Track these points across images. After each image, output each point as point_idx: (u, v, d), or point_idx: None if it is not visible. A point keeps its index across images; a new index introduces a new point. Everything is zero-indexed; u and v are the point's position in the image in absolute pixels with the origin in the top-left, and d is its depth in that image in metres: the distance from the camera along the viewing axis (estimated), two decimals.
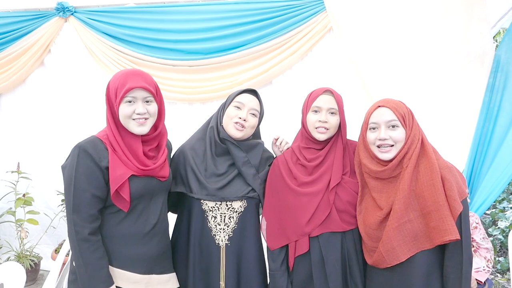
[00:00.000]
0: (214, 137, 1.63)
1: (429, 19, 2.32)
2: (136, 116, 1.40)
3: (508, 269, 3.00)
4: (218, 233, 1.59)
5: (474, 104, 2.34)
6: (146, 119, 1.43)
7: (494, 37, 2.76)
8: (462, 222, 1.34)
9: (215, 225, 1.59)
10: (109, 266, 1.40)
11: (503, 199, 3.58)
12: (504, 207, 3.49)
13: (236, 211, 1.61)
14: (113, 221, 1.42)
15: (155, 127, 1.49)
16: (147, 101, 1.43)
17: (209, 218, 1.59)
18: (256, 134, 1.74)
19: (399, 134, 1.39)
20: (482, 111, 2.36)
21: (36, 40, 2.95)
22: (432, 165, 1.35)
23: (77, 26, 2.91)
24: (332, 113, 1.55)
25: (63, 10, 2.88)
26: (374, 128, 1.44)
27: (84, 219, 1.34)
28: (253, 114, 1.62)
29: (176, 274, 1.62)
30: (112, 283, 1.37)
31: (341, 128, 1.58)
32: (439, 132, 2.35)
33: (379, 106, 1.44)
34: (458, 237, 1.31)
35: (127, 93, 1.38)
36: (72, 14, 2.91)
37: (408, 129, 1.40)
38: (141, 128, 1.42)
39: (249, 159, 1.62)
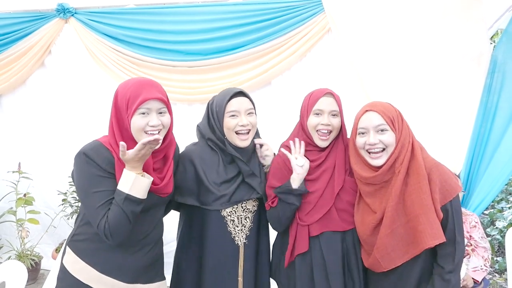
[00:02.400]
0: (219, 148, 1.62)
1: (426, 20, 2.33)
2: (149, 128, 1.34)
3: (506, 269, 3.02)
4: (237, 234, 1.62)
5: (471, 104, 2.35)
6: (159, 130, 1.37)
7: (491, 37, 2.78)
8: (454, 218, 1.34)
9: (234, 227, 1.62)
10: (93, 269, 1.39)
11: (501, 199, 3.60)
12: (502, 207, 3.51)
13: (251, 211, 1.65)
14: None
15: (164, 137, 1.43)
16: (161, 113, 1.37)
17: (228, 222, 1.62)
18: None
19: (389, 137, 1.37)
20: (479, 111, 2.37)
21: (37, 41, 2.96)
22: (419, 168, 1.34)
23: (77, 27, 2.92)
24: (333, 115, 1.54)
25: (63, 11, 2.90)
26: (363, 133, 1.42)
27: (99, 207, 1.32)
28: (250, 113, 1.61)
29: (189, 275, 1.65)
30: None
31: (342, 129, 1.58)
32: (437, 132, 2.36)
33: (367, 111, 1.42)
34: (444, 239, 1.31)
35: (142, 104, 1.31)
36: (72, 15, 2.92)
37: (398, 132, 1.38)
38: None
39: (253, 171, 1.64)
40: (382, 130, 1.38)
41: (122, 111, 1.34)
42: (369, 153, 1.41)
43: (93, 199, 1.32)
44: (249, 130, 1.59)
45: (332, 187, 1.54)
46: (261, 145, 1.71)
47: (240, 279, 1.62)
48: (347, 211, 1.54)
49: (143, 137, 1.32)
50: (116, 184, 1.33)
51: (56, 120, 3.09)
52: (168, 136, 1.45)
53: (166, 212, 1.71)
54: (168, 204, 1.64)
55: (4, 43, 3.01)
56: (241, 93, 1.62)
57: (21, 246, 3.04)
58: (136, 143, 1.31)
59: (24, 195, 3.00)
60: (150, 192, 1.38)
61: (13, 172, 3.01)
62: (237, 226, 1.62)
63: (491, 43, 2.47)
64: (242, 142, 1.58)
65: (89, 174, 1.33)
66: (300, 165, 1.53)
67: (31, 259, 2.97)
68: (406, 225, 1.35)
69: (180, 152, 1.68)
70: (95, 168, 1.33)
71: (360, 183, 1.47)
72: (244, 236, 1.63)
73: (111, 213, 1.30)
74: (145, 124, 1.34)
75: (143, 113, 1.33)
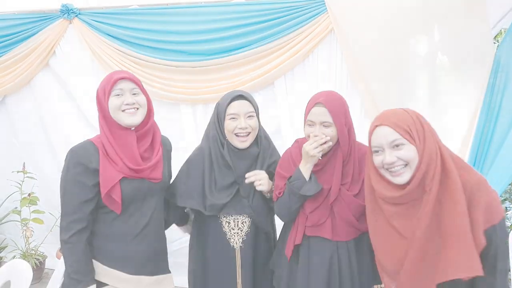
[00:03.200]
0: (219, 149, 1.64)
1: (429, 20, 2.33)
2: (126, 106, 1.45)
3: (510, 269, 3.00)
4: (232, 237, 1.65)
5: (474, 104, 2.35)
6: (136, 109, 1.47)
7: (495, 37, 2.77)
8: (499, 245, 1.13)
9: (229, 230, 1.65)
10: (98, 263, 1.43)
11: (505, 199, 3.58)
12: (506, 207, 3.49)
13: (248, 216, 1.67)
14: (105, 220, 1.46)
15: (146, 120, 1.52)
16: (134, 93, 1.49)
17: (223, 223, 1.65)
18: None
19: (407, 152, 1.19)
20: (482, 111, 2.36)
21: (41, 42, 2.98)
22: (453, 184, 1.15)
23: (81, 28, 2.94)
24: (325, 126, 1.47)
25: (67, 12, 2.91)
26: (377, 151, 1.25)
27: (70, 222, 1.38)
28: (250, 116, 1.62)
29: (193, 274, 1.70)
30: (90, 284, 1.39)
31: (339, 139, 1.50)
32: (439, 132, 2.34)
33: (377, 126, 1.24)
34: (480, 273, 1.09)
35: (114, 85, 1.45)
36: (76, 16, 2.94)
37: (419, 143, 1.19)
38: (132, 118, 1.46)
39: (243, 183, 1.64)
40: (397, 146, 1.20)
41: (102, 99, 1.47)
42: (389, 170, 1.23)
43: (66, 197, 1.41)
44: (249, 133, 1.62)
45: (328, 199, 1.53)
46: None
47: (239, 280, 1.65)
48: (341, 225, 1.52)
49: (121, 117, 1.46)
50: (93, 182, 1.40)
51: (60, 120, 3.11)
52: (150, 119, 1.53)
53: (173, 213, 1.74)
54: (176, 207, 1.68)
55: (9, 44, 3.03)
56: (242, 96, 1.63)
57: (25, 245, 3.06)
58: (121, 128, 1.44)
59: (29, 194, 3.02)
60: (140, 178, 1.46)
61: (18, 172, 3.03)
62: (233, 229, 1.65)
63: (494, 43, 2.46)
64: (241, 143, 1.61)
65: (68, 172, 1.42)
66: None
67: (35, 258, 2.99)
68: (439, 251, 1.17)
69: (187, 157, 1.73)
70: (76, 168, 1.41)
71: (385, 204, 1.27)
72: (241, 240, 1.65)
73: (65, 251, 1.39)
74: (120, 103, 1.45)
75: (118, 94, 1.46)
